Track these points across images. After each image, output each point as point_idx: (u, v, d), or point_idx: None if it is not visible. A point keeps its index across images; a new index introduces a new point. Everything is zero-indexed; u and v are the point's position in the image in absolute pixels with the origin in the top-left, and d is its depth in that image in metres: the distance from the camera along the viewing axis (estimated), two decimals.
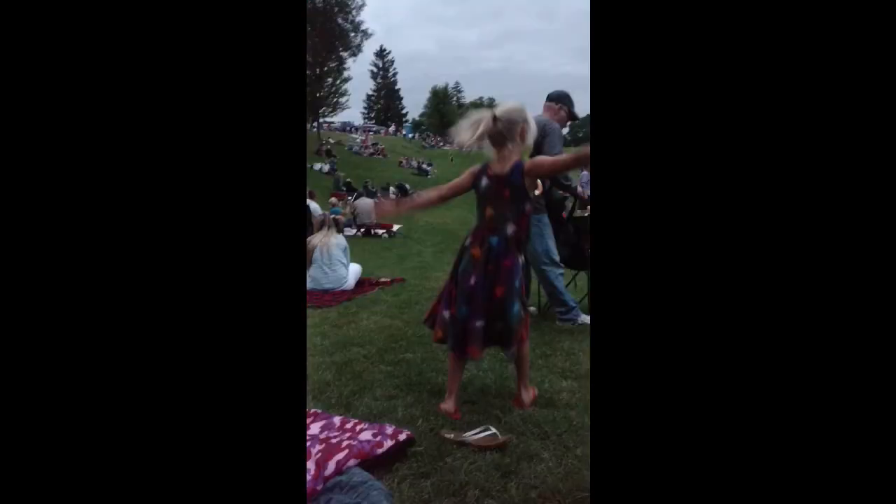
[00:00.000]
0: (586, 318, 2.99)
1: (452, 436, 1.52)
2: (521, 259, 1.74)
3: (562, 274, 3.08)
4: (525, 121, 1.72)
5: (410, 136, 42.25)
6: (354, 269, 4.31)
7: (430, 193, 1.89)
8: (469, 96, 57.63)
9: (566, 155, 1.79)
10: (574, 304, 3.02)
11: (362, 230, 9.06)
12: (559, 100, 3.02)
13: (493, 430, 1.53)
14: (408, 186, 18.20)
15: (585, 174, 11.31)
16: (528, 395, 1.80)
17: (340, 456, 1.31)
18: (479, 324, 1.67)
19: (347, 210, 9.40)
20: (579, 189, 3.18)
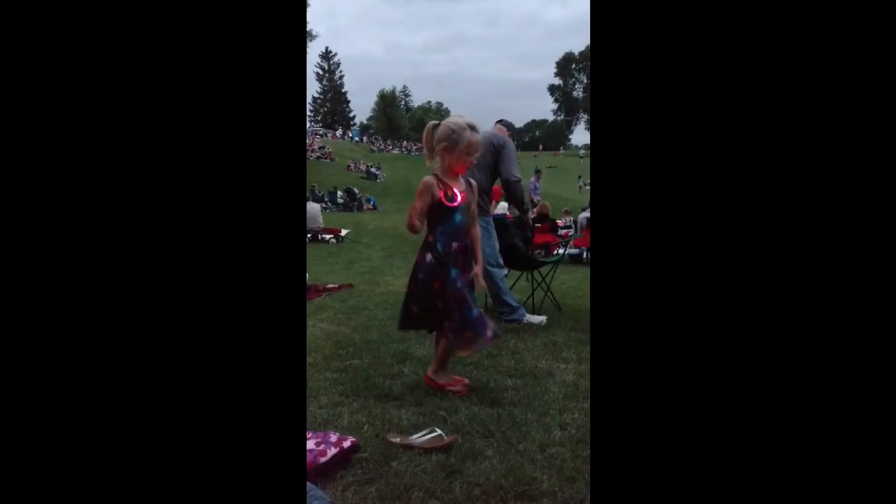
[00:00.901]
0: (531, 318, 3.08)
1: (398, 439, 1.52)
2: (428, 256, 1.94)
3: (506, 275, 3.16)
4: (445, 140, 1.86)
5: (358, 139, 41.72)
6: None
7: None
8: (417, 100, 57.82)
9: (419, 213, 1.86)
10: (517, 305, 3.11)
11: (309, 235, 8.85)
12: (509, 127, 3.27)
13: (439, 431, 1.55)
14: (356, 190, 17.96)
15: (533, 181, 11.69)
16: (440, 376, 1.97)
17: None
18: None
19: None
20: (529, 197, 3.41)
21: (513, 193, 3.14)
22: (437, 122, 1.92)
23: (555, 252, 4.95)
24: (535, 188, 11.45)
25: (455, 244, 1.91)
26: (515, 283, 3.80)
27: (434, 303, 1.93)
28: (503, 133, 3.13)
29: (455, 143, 1.84)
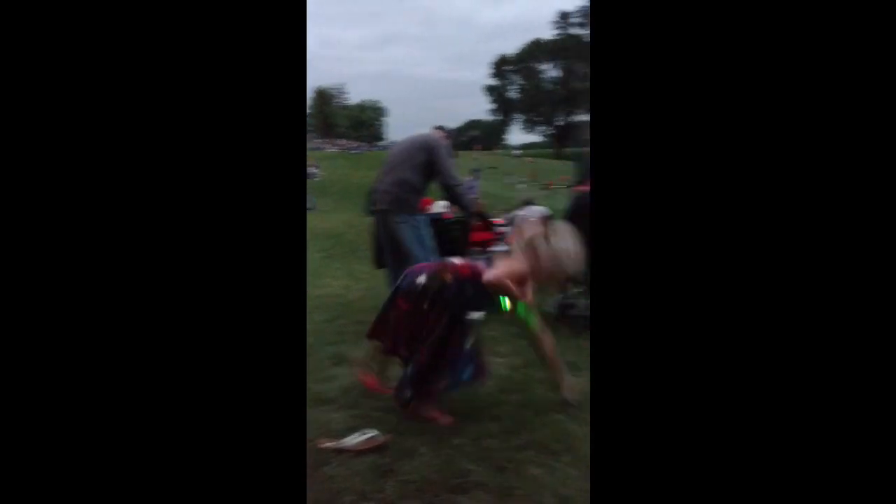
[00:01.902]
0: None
1: (331, 444, 1.50)
2: (423, 277, 1.83)
3: None
4: (537, 258, 1.69)
5: None
6: None
7: None
8: (352, 97, 56.87)
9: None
10: None
11: None
12: (448, 132, 3.35)
13: (373, 432, 1.54)
14: None
15: (470, 180, 11.86)
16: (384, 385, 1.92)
17: None
18: None
19: None
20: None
21: (458, 198, 3.19)
22: (544, 237, 1.71)
23: (490, 249, 5.06)
24: (473, 188, 11.62)
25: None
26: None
27: (388, 315, 1.82)
28: (441, 137, 3.18)
29: (538, 267, 1.69)
